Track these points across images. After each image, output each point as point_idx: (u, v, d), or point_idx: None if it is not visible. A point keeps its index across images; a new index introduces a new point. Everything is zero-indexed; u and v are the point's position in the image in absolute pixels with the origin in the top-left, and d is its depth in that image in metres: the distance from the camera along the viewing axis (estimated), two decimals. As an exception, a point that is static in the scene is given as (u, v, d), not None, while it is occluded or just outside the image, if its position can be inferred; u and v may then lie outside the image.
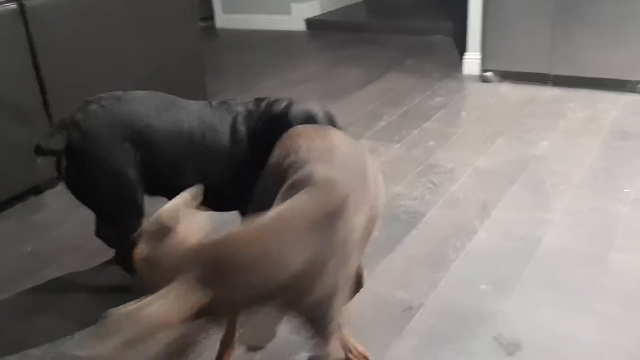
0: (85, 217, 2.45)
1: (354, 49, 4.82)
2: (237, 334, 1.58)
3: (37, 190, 2.66)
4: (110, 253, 2.18)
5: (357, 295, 1.85)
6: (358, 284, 1.63)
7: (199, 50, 3.45)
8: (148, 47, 3.07)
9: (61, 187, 2.71)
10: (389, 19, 5.56)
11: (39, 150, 1.72)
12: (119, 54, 2.92)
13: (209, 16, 6.04)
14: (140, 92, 1.86)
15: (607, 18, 3.33)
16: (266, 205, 1.19)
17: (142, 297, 1.04)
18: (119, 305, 1.86)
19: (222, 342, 1.56)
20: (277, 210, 1.15)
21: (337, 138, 1.38)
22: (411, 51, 4.60)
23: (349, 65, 4.37)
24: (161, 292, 1.05)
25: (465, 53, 3.93)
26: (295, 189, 1.19)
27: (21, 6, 2.48)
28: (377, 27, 5.35)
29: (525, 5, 3.53)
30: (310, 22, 5.59)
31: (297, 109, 1.75)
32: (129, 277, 2.03)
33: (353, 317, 1.76)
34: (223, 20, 5.97)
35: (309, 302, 1.14)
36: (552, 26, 3.47)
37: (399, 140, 3.00)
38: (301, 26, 5.60)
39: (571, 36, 3.44)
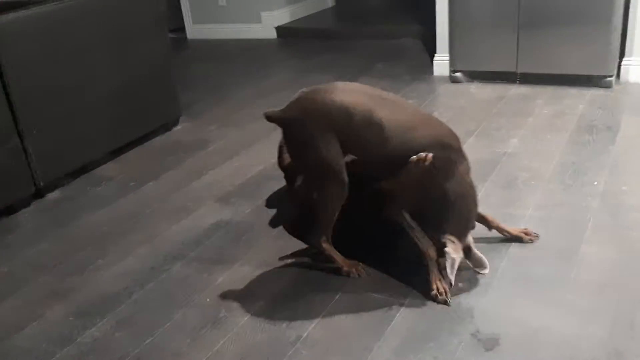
0: (60, 236, 2.44)
1: (325, 55, 4.85)
2: None
3: (10, 209, 2.63)
4: (89, 271, 2.17)
5: (338, 297, 1.88)
6: None
7: (170, 61, 3.45)
8: (118, 61, 3.06)
9: (35, 206, 2.70)
10: (358, 24, 5.61)
11: None
12: (89, 68, 2.91)
13: (180, 27, 6.03)
14: None
15: (570, 16, 3.41)
16: None
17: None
18: (99, 322, 1.86)
19: None
20: None
21: None
22: (381, 55, 4.64)
23: (321, 72, 4.39)
24: None
25: (435, 55, 3.99)
26: None
27: (-13, 25, 2.47)
28: (347, 32, 5.39)
29: (490, 6, 3.60)
30: (281, 30, 5.61)
31: None
32: (106, 295, 2.02)
33: (334, 320, 1.78)
34: (194, 30, 5.97)
35: None
36: (517, 25, 3.54)
37: (372, 143, 3.03)
38: (272, 34, 5.61)
39: (536, 35, 3.51)
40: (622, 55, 3.50)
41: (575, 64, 3.48)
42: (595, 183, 2.41)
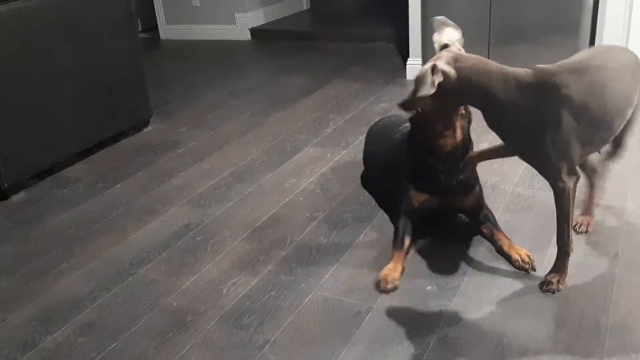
0: (24, 238, 2.39)
1: (299, 57, 4.84)
2: None
3: (-27, 211, 2.57)
4: (53, 275, 2.12)
5: (306, 302, 1.86)
6: None
7: (141, 61, 3.41)
8: (86, 60, 3.01)
9: (-2, 208, 2.64)
10: (332, 27, 5.61)
11: None
12: (55, 67, 2.85)
13: (153, 27, 5.97)
14: None
15: (539, 26, 3.49)
16: None
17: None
18: (62, 326, 1.82)
19: None
20: None
21: None
22: (355, 58, 4.65)
23: (294, 74, 4.39)
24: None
25: (408, 59, 4.00)
26: None
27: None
28: (321, 35, 5.39)
29: (462, 14, 3.64)
30: (255, 32, 5.59)
31: None
32: (70, 299, 1.98)
33: (302, 324, 1.77)
34: (167, 31, 5.91)
35: None
36: (488, 34, 3.59)
37: (345, 146, 3.03)
38: (246, 36, 5.59)
39: (506, 44, 3.57)
40: (590, 61, 3.55)
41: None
42: (563, 187, 2.43)
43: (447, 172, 2.06)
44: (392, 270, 1.94)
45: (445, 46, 1.75)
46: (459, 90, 1.67)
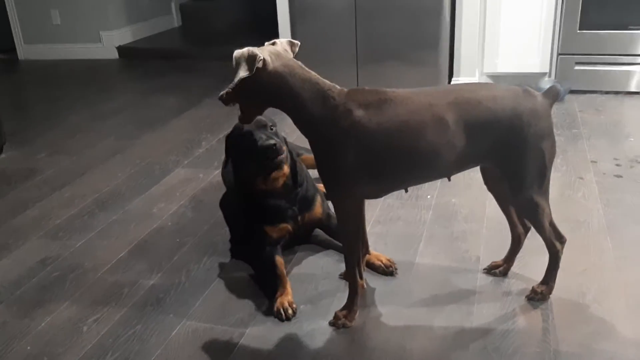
0: None
1: (170, 77, 4.71)
2: None
3: None
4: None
5: (175, 334, 1.77)
6: None
7: (-10, 85, 3.15)
8: None
9: None
10: (205, 45, 5.52)
11: None
12: None
13: (10, 47, 5.57)
14: None
15: (402, 44, 3.70)
16: None
17: None
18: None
19: None
20: None
21: None
22: (227, 77, 4.51)
23: (165, 94, 4.25)
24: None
25: (279, 76, 4.02)
26: None
27: None
28: (193, 53, 5.29)
29: (329, 37, 3.75)
30: (122, 50, 5.37)
31: None
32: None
33: (170, 359, 1.67)
34: (26, 51, 5.54)
35: None
36: (356, 54, 3.74)
37: (218, 165, 2.95)
38: (113, 54, 5.36)
39: (374, 60, 3.73)
40: (450, 75, 3.75)
41: (410, 86, 3.71)
42: (429, 197, 2.52)
43: (289, 202, 2.08)
44: (285, 296, 1.88)
45: (272, 44, 1.69)
46: (270, 86, 1.57)
